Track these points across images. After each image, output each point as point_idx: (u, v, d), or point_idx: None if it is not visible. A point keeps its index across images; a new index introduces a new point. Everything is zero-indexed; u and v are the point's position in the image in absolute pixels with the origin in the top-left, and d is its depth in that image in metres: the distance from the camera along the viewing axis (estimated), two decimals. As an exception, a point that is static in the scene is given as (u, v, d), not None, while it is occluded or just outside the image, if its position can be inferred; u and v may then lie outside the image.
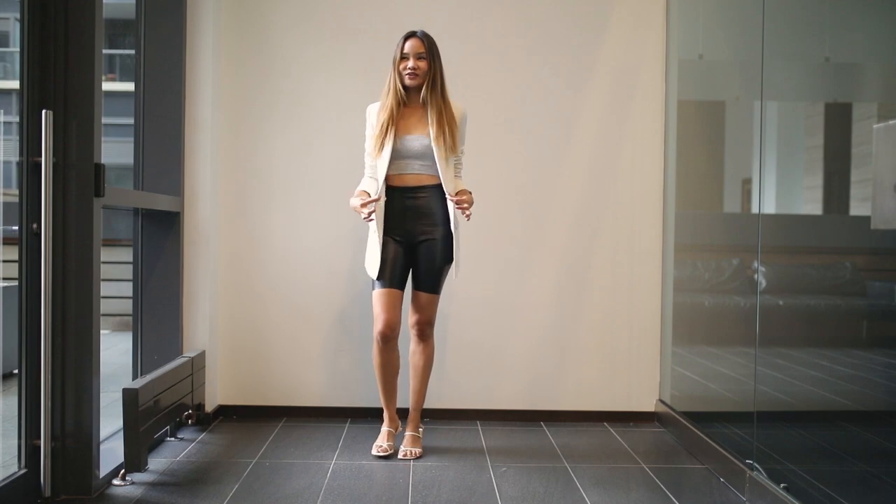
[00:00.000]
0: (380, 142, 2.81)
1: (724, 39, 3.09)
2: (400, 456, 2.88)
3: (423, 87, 2.84)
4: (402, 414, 3.47)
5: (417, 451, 2.90)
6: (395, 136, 2.82)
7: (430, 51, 2.83)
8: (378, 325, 2.84)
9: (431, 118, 2.82)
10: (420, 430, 3.02)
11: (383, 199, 2.80)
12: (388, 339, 2.86)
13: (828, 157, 2.30)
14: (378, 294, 2.85)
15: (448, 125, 2.82)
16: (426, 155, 2.83)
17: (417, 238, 2.86)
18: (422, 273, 2.88)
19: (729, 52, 3.05)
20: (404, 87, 2.85)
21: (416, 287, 2.92)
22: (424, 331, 2.93)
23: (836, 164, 2.24)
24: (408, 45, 2.82)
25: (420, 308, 2.90)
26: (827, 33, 2.35)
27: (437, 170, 2.82)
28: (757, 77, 2.56)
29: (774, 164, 2.51)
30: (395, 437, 2.99)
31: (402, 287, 2.88)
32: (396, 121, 2.83)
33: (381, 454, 2.86)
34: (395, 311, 2.84)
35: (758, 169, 2.56)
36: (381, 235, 2.81)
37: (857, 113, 2.17)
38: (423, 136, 2.83)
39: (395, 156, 2.83)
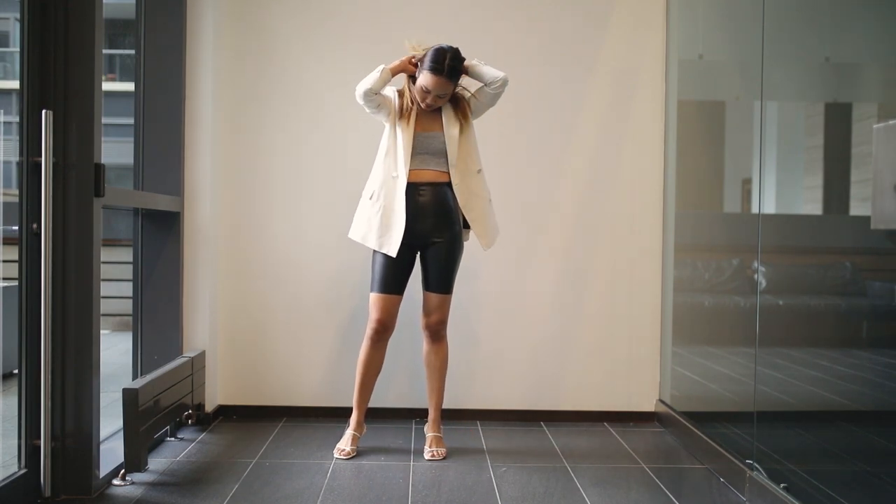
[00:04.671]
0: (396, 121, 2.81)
1: (724, 39, 3.09)
2: (427, 457, 2.88)
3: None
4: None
5: (443, 451, 2.92)
6: (413, 130, 2.81)
7: (454, 85, 2.77)
8: (371, 323, 2.86)
9: (448, 116, 2.84)
10: (441, 430, 3.02)
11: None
12: (380, 337, 2.88)
13: (828, 157, 2.30)
14: (375, 297, 2.85)
15: (463, 118, 2.85)
16: (442, 153, 2.82)
17: (428, 240, 2.84)
18: (432, 275, 2.87)
19: (729, 52, 3.05)
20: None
21: (427, 288, 2.90)
22: (439, 331, 2.93)
23: (836, 164, 2.25)
24: (432, 83, 2.72)
25: (433, 309, 2.90)
26: (827, 33, 2.35)
27: (448, 168, 2.82)
28: (757, 77, 2.56)
29: (774, 164, 2.51)
30: (358, 442, 2.97)
31: (400, 292, 2.87)
32: (414, 116, 2.83)
33: (343, 457, 2.85)
34: (390, 313, 2.85)
35: (758, 169, 2.56)
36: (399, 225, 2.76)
37: (857, 113, 2.17)
38: (440, 133, 2.83)
39: (413, 151, 2.81)
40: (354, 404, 2.97)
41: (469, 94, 2.88)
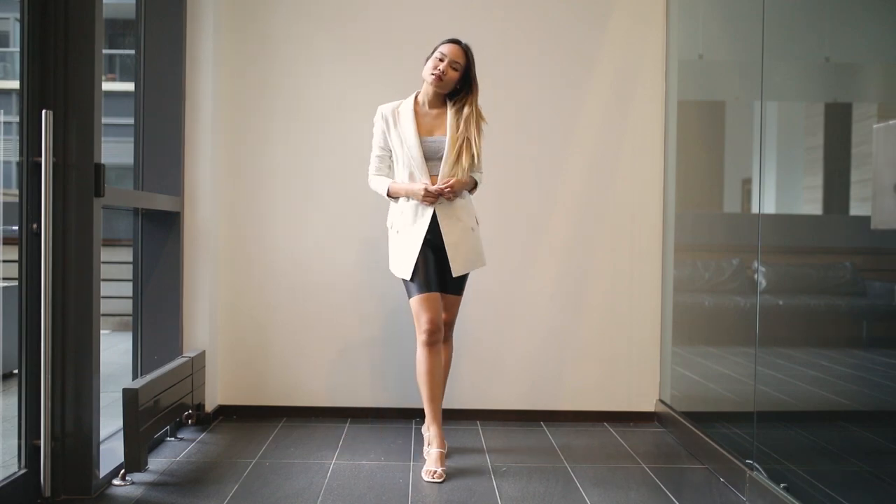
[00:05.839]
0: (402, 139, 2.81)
1: (724, 39, 3.09)
2: (426, 479, 2.67)
3: (449, 95, 2.82)
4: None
5: (442, 471, 2.71)
6: (418, 137, 2.79)
7: (466, 66, 2.78)
8: (423, 324, 2.75)
9: (454, 123, 2.78)
10: (446, 445, 2.88)
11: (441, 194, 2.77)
12: (435, 339, 2.76)
13: (828, 157, 2.30)
14: (419, 299, 2.77)
15: (470, 141, 2.76)
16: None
17: (443, 242, 2.80)
18: (449, 275, 2.84)
19: (729, 52, 3.05)
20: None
21: (441, 289, 2.86)
22: (447, 332, 2.94)
23: (836, 164, 2.24)
24: (449, 48, 2.76)
25: (445, 309, 2.89)
26: (827, 33, 2.35)
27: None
28: (757, 77, 2.56)
29: (774, 164, 2.51)
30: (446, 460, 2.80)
31: (439, 289, 2.82)
32: (418, 121, 2.81)
33: (437, 480, 2.63)
34: (437, 310, 2.78)
35: (758, 169, 2.56)
36: (421, 238, 2.78)
37: (857, 113, 2.17)
38: (444, 136, 2.79)
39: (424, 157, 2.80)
40: (431, 419, 2.80)
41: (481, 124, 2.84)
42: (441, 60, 2.75)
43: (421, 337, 2.77)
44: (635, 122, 3.51)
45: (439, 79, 2.75)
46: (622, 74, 3.50)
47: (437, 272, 2.81)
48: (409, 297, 2.82)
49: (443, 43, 2.79)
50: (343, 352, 3.48)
